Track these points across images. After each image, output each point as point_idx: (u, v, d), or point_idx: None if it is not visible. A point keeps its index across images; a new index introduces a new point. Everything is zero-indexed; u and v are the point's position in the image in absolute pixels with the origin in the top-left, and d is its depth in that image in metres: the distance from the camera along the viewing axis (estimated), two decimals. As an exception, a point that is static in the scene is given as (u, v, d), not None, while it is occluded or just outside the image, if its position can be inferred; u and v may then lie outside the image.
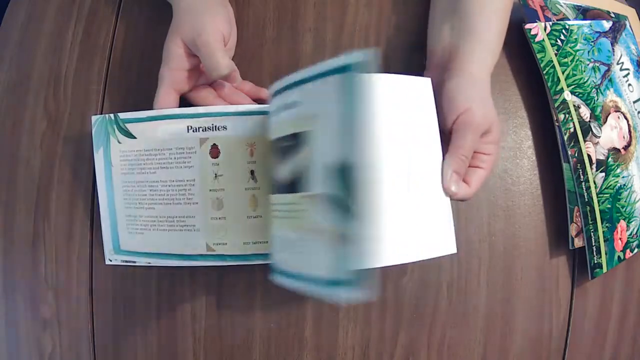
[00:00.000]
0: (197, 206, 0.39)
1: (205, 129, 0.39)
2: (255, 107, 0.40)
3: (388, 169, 0.32)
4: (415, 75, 0.35)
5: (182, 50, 0.39)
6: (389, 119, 0.33)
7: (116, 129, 0.40)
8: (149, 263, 0.41)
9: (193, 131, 0.39)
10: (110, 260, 0.42)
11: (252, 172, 0.39)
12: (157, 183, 0.39)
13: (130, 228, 0.41)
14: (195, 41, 0.38)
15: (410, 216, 0.33)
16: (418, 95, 0.34)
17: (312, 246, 0.29)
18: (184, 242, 0.39)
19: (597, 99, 0.47)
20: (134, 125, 0.40)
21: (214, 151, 0.39)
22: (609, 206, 0.46)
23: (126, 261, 0.42)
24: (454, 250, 0.34)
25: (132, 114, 0.40)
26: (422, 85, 0.35)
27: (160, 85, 0.39)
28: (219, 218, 0.39)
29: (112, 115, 0.40)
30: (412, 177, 0.33)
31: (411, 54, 0.46)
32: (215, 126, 0.39)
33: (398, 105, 0.33)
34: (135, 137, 0.40)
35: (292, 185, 0.31)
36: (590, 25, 0.49)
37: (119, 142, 0.40)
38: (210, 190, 0.39)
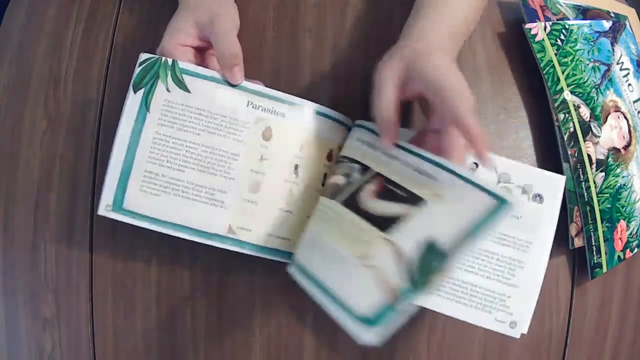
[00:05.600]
0: (232, 182, 0.38)
1: (264, 110, 0.38)
2: (323, 109, 0.40)
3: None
4: None
5: (193, 30, 0.39)
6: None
7: (169, 76, 0.38)
8: (152, 228, 0.37)
9: (253, 107, 0.38)
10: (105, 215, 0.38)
11: (296, 166, 0.39)
12: (197, 146, 0.37)
13: (145, 186, 0.37)
14: (214, 22, 0.37)
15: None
16: (549, 189, 0.40)
17: (357, 274, 0.31)
18: (205, 217, 0.37)
19: (597, 99, 0.47)
20: (192, 79, 0.38)
21: (267, 134, 0.38)
22: (608, 206, 0.46)
23: (124, 222, 0.37)
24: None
25: (194, 67, 0.38)
26: (556, 182, 0.40)
27: (172, 57, 0.38)
28: (251, 202, 0.38)
29: (169, 60, 0.37)
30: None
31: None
32: (275, 110, 0.39)
33: (526, 192, 0.39)
34: (189, 92, 0.38)
35: (367, 214, 0.34)
36: (590, 25, 0.49)
37: (168, 91, 0.37)
38: (251, 170, 0.38)
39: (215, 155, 0.38)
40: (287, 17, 0.47)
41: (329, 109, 0.40)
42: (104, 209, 0.37)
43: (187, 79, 0.38)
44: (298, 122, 0.39)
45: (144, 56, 0.38)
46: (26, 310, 0.45)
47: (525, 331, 0.37)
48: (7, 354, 0.45)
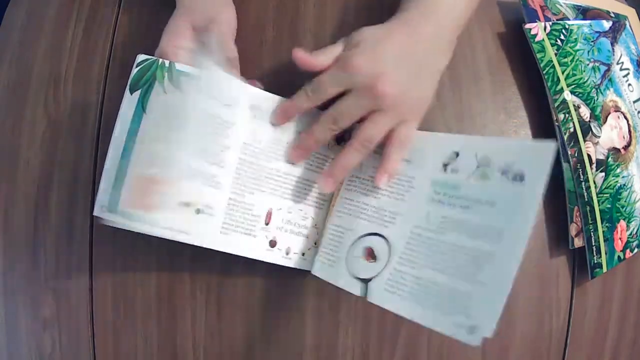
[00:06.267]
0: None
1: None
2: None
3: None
4: None
5: (189, 33, 0.39)
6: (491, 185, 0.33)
7: (166, 77, 0.37)
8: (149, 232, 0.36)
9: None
10: (101, 218, 0.37)
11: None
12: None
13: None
14: (210, 28, 0.38)
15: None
16: (532, 163, 0.32)
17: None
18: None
19: (597, 99, 0.47)
20: (189, 80, 0.38)
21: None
22: (609, 206, 0.46)
23: (120, 224, 0.36)
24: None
25: (191, 69, 0.38)
26: (544, 151, 0.32)
27: (168, 58, 0.38)
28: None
29: (166, 62, 0.37)
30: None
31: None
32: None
33: (506, 172, 0.33)
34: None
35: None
36: (590, 25, 0.49)
37: (165, 92, 0.37)
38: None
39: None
40: (287, 17, 0.47)
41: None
42: (101, 210, 0.36)
43: (184, 80, 0.38)
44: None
45: (141, 57, 0.38)
46: (26, 310, 0.45)
47: (489, 334, 0.30)
48: (7, 354, 0.45)
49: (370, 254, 0.35)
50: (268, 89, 0.45)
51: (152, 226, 0.37)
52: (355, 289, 0.35)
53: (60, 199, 0.45)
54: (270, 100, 0.39)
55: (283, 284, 0.43)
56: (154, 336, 0.43)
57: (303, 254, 0.40)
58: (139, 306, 0.44)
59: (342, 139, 0.40)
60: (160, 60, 0.37)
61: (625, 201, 0.47)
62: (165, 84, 0.37)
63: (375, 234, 0.36)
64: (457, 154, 0.35)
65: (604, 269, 0.45)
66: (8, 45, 0.49)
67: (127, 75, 0.40)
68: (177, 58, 0.38)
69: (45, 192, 0.45)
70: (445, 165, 0.35)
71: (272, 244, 0.39)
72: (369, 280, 0.34)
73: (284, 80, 0.46)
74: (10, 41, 0.49)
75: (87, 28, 0.48)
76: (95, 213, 0.37)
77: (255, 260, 0.39)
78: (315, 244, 0.40)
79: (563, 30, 0.47)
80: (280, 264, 0.39)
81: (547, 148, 0.31)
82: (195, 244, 0.38)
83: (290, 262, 0.39)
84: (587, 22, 0.49)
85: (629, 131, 0.49)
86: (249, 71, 0.45)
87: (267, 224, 0.39)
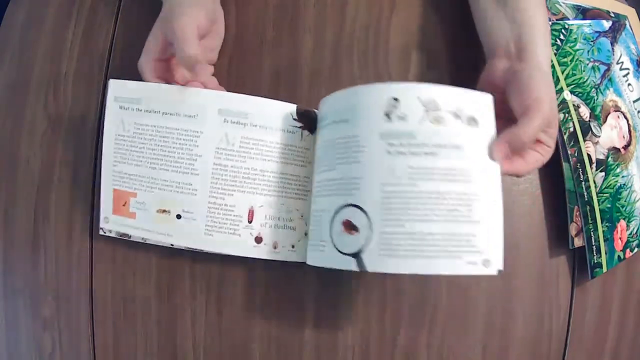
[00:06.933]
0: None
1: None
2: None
3: (442, 179, 0.33)
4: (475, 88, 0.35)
5: (159, 41, 0.39)
6: (450, 130, 0.33)
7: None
8: (145, 239, 0.40)
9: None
10: (104, 231, 0.41)
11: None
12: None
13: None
14: (168, 28, 0.38)
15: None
16: (479, 110, 0.35)
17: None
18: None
19: (597, 99, 0.47)
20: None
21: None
22: (608, 206, 0.46)
23: (123, 234, 0.41)
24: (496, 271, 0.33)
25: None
26: (484, 101, 0.35)
27: (143, 76, 0.40)
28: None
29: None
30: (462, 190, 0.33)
31: (411, 54, 0.46)
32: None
33: (459, 117, 0.34)
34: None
35: None
36: (590, 25, 0.49)
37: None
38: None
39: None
40: (287, 17, 0.47)
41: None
42: (105, 222, 0.41)
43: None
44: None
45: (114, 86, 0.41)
46: (26, 310, 0.45)
47: (501, 267, 0.32)
48: (7, 354, 0.45)
49: (350, 226, 0.34)
50: (268, 89, 0.45)
51: (134, 229, 0.40)
52: (351, 265, 0.34)
53: (60, 199, 0.45)
54: (239, 100, 0.39)
55: (283, 284, 0.43)
56: (154, 336, 0.43)
57: (293, 246, 0.40)
58: (139, 306, 0.44)
59: (315, 128, 0.40)
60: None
61: (625, 201, 0.47)
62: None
63: (347, 205, 0.35)
64: (397, 99, 0.34)
65: (604, 269, 0.45)
66: (8, 45, 0.49)
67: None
68: (155, 73, 0.40)
69: (45, 192, 0.45)
70: (388, 115, 0.34)
71: (258, 240, 0.39)
72: (360, 252, 0.33)
73: (284, 80, 0.46)
74: (10, 41, 0.49)
75: (87, 28, 0.48)
76: (100, 231, 0.41)
77: (255, 260, 0.39)
78: (306, 234, 0.40)
79: (563, 30, 0.47)
80: (269, 258, 0.39)
81: (487, 97, 0.35)
82: (180, 245, 0.39)
83: (279, 255, 0.40)
84: (587, 22, 0.49)
85: (629, 131, 0.49)
86: (249, 71, 0.45)
87: (250, 222, 0.39)
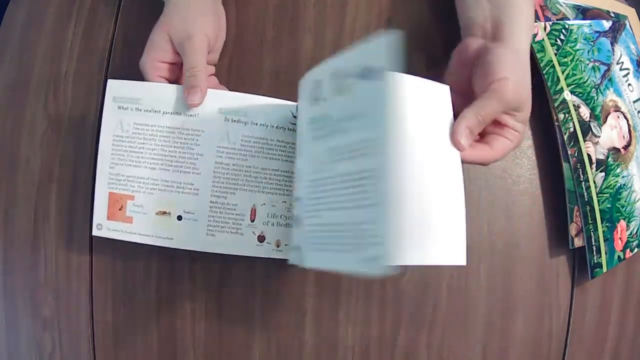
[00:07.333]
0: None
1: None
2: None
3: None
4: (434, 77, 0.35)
5: (168, 46, 0.39)
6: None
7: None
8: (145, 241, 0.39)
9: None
10: (99, 229, 0.39)
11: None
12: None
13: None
14: (184, 45, 0.38)
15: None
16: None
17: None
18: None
19: (597, 99, 0.47)
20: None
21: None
22: (608, 206, 0.46)
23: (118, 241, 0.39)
24: (463, 262, 0.33)
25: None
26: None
27: (145, 75, 0.39)
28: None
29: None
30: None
31: (410, 54, 0.46)
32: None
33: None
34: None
35: None
36: (590, 25, 0.49)
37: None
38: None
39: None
40: (287, 17, 0.47)
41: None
42: (99, 222, 0.40)
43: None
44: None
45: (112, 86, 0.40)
46: (26, 310, 0.45)
47: (399, 261, 0.27)
48: (7, 354, 0.45)
49: (297, 220, 0.34)
50: (268, 88, 0.45)
51: (131, 235, 0.39)
52: (298, 259, 0.32)
53: (60, 199, 0.45)
54: (240, 99, 0.39)
55: (283, 284, 0.43)
56: (154, 336, 0.43)
57: None
58: (139, 306, 0.44)
59: None
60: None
61: (625, 201, 0.47)
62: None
63: (297, 199, 0.34)
64: (319, 82, 0.32)
65: (604, 269, 0.45)
66: (8, 45, 0.49)
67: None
68: (157, 73, 0.40)
69: (45, 192, 0.45)
70: (314, 99, 0.32)
71: (261, 239, 0.39)
72: (299, 247, 0.33)
73: (284, 80, 0.46)
74: (10, 41, 0.49)
75: (87, 28, 0.48)
76: (95, 230, 0.40)
77: (255, 260, 0.39)
78: None
79: (563, 30, 0.47)
80: (272, 257, 0.39)
81: (386, 41, 0.27)
82: (181, 248, 0.39)
83: (282, 254, 0.40)
84: (587, 22, 0.49)
85: (629, 131, 0.49)
86: (249, 71, 0.45)
87: (252, 220, 0.39)
